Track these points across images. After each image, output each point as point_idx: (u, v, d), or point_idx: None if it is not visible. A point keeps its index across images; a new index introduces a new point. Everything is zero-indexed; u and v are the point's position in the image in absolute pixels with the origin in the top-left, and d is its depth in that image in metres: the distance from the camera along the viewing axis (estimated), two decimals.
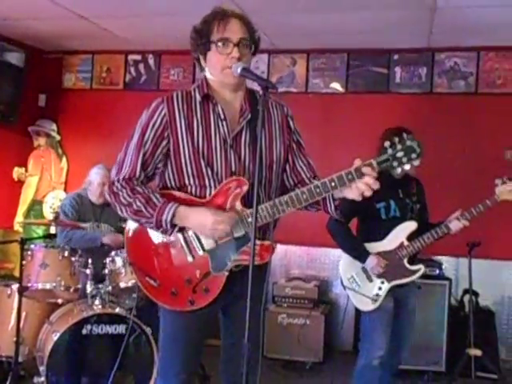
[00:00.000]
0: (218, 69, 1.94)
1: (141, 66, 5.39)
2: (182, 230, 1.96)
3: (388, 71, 4.92)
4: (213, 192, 1.95)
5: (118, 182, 1.95)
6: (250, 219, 1.91)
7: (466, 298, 4.22)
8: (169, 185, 2.01)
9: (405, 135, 1.86)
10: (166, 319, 2.07)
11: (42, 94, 5.60)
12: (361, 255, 3.12)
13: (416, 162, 1.85)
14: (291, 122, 2.13)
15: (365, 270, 3.13)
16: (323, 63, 5.07)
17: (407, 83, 4.88)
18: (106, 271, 3.35)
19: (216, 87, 2.00)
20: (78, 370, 3.15)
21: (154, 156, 1.96)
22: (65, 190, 5.35)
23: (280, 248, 5.03)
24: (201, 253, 1.96)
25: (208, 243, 1.96)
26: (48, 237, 3.65)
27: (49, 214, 4.85)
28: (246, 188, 1.92)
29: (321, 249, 4.73)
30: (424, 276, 4.10)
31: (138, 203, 1.90)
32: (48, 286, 3.40)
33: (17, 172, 5.07)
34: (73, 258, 3.45)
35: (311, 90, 5.10)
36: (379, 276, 3.10)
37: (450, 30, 4.35)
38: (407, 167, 1.86)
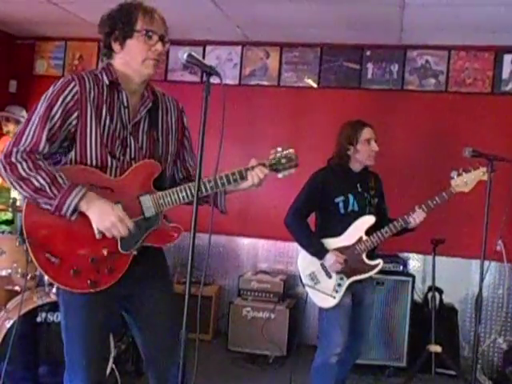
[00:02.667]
0: (139, 59, 1.94)
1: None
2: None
3: (360, 67, 4.92)
4: (113, 177, 1.94)
5: (17, 153, 1.81)
6: (161, 201, 1.96)
7: (431, 294, 4.24)
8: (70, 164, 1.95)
9: (285, 147, 2.08)
10: (68, 305, 1.99)
11: (13, 80, 5.54)
12: (319, 252, 3.08)
13: (292, 170, 2.07)
14: (184, 119, 2.20)
15: (324, 267, 3.10)
16: (296, 57, 5.05)
17: (379, 79, 4.88)
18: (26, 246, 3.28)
19: (123, 75, 1.99)
20: (35, 359, 3.10)
21: (61, 132, 1.87)
22: None
23: (248, 241, 5.05)
24: (119, 224, 1.86)
25: None
26: (5, 223, 3.59)
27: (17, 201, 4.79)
28: (158, 170, 1.99)
29: (289, 243, 4.69)
30: (388, 272, 4.18)
31: (42, 181, 1.79)
32: (4, 273, 3.37)
33: None
34: None
35: (283, 83, 5.08)
36: (338, 272, 3.08)
37: (420, 27, 4.36)
38: (286, 173, 2.06)
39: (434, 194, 3.12)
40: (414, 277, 4.31)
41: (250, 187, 2.02)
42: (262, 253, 5.03)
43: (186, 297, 1.69)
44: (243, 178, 1.99)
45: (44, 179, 1.79)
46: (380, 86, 4.88)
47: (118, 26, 1.94)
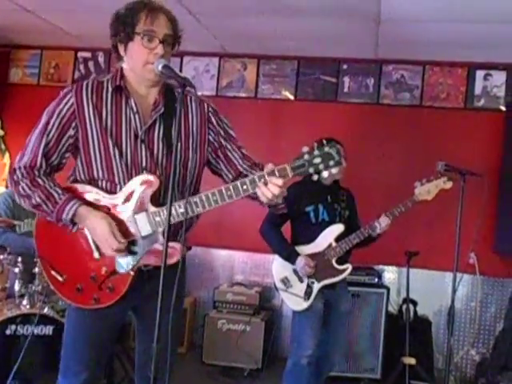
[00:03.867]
0: (140, 63, 1.88)
1: (90, 64, 5.31)
2: None
3: (337, 80, 4.97)
4: (123, 188, 1.90)
5: (20, 169, 1.89)
6: (157, 218, 1.86)
7: (405, 306, 4.27)
8: (78, 178, 1.96)
9: (324, 142, 1.76)
10: (71, 316, 2.03)
11: None
12: (290, 257, 3.22)
13: (334, 170, 1.75)
14: (213, 118, 2.07)
15: (295, 272, 3.24)
16: (273, 69, 5.08)
17: (355, 93, 4.94)
18: (37, 270, 3.23)
19: (131, 79, 1.95)
20: (3, 372, 2.99)
21: (59, 145, 1.89)
22: (6, 186, 5.18)
23: (224, 253, 5.03)
24: (111, 241, 1.84)
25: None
26: None
27: None
28: (155, 187, 1.87)
29: (265, 255, 4.68)
30: (362, 284, 4.21)
31: (37, 198, 1.85)
32: None
33: None
34: (1, 256, 3.34)
35: (260, 95, 5.11)
36: (309, 276, 3.21)
37: (396, 42, 4.43)
38: (325, 174, 1.75)
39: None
40: (388, 289, 4.33)
41: (268, 200, 1.78)
42: (238, 265, 5.02)
43: (158, 310, 1.66)
44: (256, 186, 1.76)
45: (40, 197, 1.84)
46: (356, 100, 4.94)
47: (121, 27, 1.88)
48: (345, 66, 4.96)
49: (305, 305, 3.19)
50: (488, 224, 4.53)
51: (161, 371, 1.69)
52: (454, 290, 2.98)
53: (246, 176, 1.91)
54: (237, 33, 4.55)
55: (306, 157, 1.73)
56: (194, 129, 2.02)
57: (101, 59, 5.24)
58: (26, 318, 3.06)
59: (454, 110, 4.75)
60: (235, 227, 4.87)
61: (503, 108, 4.66)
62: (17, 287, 3.24)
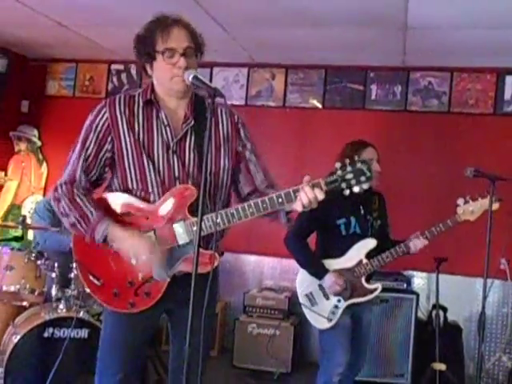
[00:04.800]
0: (167, 78, 1.91)
1: (123, 76, 5.40)
2: None
3: (364, 88, 4.94)
4: (157, 198, 1.92)
5: (61, 187, 1.92)
6: (194, 228, 1.87)
7: (435, 312, 4.21)
8: (114, 188, 1.99)
9: (356, 158, 1.80)
10: (107, 319, 2.05)
11: (25, 101, 5.59)
12: (318, 272, 3.00)
13: (365, 185, 1.80)
14: (242, 130, 2.09)
15: (322, 288, 3.01)
16: (301, 78, 5.08)
17: (382, 100, 4.90)
18: (72, 275, 3.29)
19: (161, 94, 1.98)
20: (41, 374, 3.04)
21: (98, 159, 1.93)
22: (44, 195, 5.30)
23: (254, 258, 5.03)
24: (145, 257, 1.89)
25: None
26: (15, 239, 3.60)
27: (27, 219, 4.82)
28: (193, 198, 1.87)
29: (294, 261, 4.67)
30: (392, 290, 4.15)
31: (73, 219, 1.88)
32: (12, 289, 3.37)
33: None
34: (39, 261, 3.41)
35: (289, 104, 5.11)
36: (336, 294, 2.99)
37: (423, 50, 4.38)
38: (356, 189, 1.80)
39: (436, 214, 3.09)
40: (418, 294, 4.26)
41: (303, 207, 1.81)
42: (268, 270, 5.02)
43: (190, 313, 1.67)
44: (292, 200, 1.81)
45: (75, 217, 1.88)
46: (384, 107, 4.90)
47: (143, 49, 1.92)
48: (372, 74, 4.93)
49: (328, 325, 3.00)
50: None
51: (193, 374, 1.69)
52: (485, 296, 2.88)
53: (259, 191, 1.99)
54: (265, 43, 4.57)
55: (339, 173, 1.79)
56: (225, 140, 2.03)
57: (133, 71, 5.32)
58: (62, 322, 3.09)
59: (483, 115, 4.67)
60: (264, 233, 4.85)
61: None
62: (54, 291, 3.29)
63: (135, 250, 1.86)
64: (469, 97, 4.71)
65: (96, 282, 1.97)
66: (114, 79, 5.43)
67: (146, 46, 1.90)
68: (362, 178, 1.78)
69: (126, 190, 1.94)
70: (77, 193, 1.90)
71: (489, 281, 2.87)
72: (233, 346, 4.41)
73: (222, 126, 2.04)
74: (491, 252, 2.84)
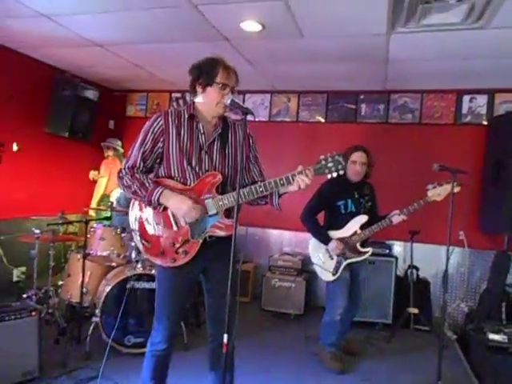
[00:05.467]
0: (214, 102, 1.94)
1: (180, 101, 5.42)
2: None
3: (356, 107, 4.82)
4: (192, 184, 1.95)
5: (124, 169, 1.96)
6: (220, 202, 1.93)
7: (410, 271, 4.13)
8: (160, 176, 2.00)
9: (334, 153, 1.88)
10: (159, 275, 2.04)
11: (111, 120, 5.65)
12: (325, 240, 3.08)
13: (341, 172, 1.86)
14: (251, 141, 2.12)
15: (327, 251, 3.09)
16: (310, 100, 4.99)
17: (369, 116, 4.78)
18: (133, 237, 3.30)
19: (202, 110, 2.00)
20: (125, 313, 3.08)
21: (152, 153, 1.96)
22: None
23: (276, 232, 5.02)
24: (183, 224, 1.94)
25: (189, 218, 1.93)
26: (106, 219, 3.65)
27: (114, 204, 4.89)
28: (219, 179, 1.95)
29: (305, 234, 4.59)
30: (378, 254, 4.08)
31: (135, 186, 1.91)
32: (105, 253, 3.43)
33: (92, 174, 5.10)
34: (122, 234, 3.46)
35: (300, 119, 5.03)
36: (338, 255, 3.06)
37: (400, 77, 4.25)
38: (335, 174, 1.86)
39: (411, 198, 3.02)
40: (397, 258, 4.18)
41: (296, 190, 1.88)
42: (286, 240, 4.97)
43: (230, 271, 1.68)
44: (290, 182, 1.86)
45: (136, 185, 1.91)
46: (370, 120, 4.78)
47: (203, 75, 1.94)
48: (362, 96, 4.81)
49: (332, 277, 3.05)
50: (473, 209, 4.34)
51: (228, 314, 1.68)
52: (448, 259, 2.81)
53: (256, 183, 2.00)
54: (282, 75, 4.51)
55: (323, 162, 1.87)
56: (240, 145, 2.07)
57: (188, 98, 5.33)
58: (139, 277, 3.13)
59: (446, 125, 4.51)
60: (284, 213, 4.80)
61: (485, 123, 4.40)
62: (133, 255, 3.33)
63: (180, 205, 1.89)
64: (435, 111, 4.55)
65: (147, 244, 1.98)
66: (174, 104, 5.45)
67: (207, 75, 1.93)
68: (339, 166, 1.85)
69: (170, 178, 1.97)
70: (136, 171, 1.95)
71: (450, 248, 2.79)
72: (261, 295, 4.41)
73: (239, 136, 2.08)
74: (452, 226, 2.76)
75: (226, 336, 1.66)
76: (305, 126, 5.01)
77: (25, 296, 3.47)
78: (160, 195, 1.88)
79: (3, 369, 2.48)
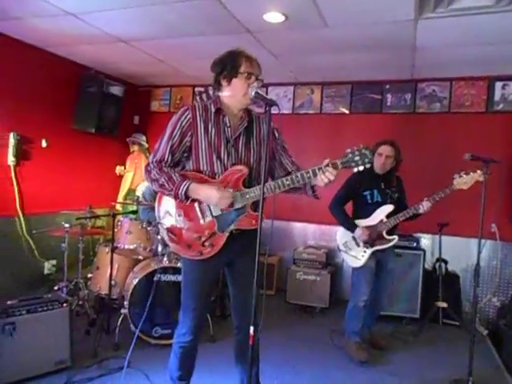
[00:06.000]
0: (241, 93, 1.93)
1: (204, 96, 5.43)
2: (197, 200, 1.94)
3: (381, 97, 4.71)
4: (220, 177, 1.94)
5: (152, 163, 1.96)
6: (247, 196, 1.92)
7: (438, 264, 4.03)
8: (188, 170, 2.00)
9: (361, 145, 1.85)
10: (186, 268, 2.05)
11: (136, 116, 5.72)
12: (351, 227, 3.13)
13: (367, 165, 1.83)
14: (276, 133, 2.09)
15: (354, 238, 3.14)
16: (333, 92, 4.91)
17: (395, 106, 4.66)
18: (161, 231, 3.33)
19: (228, 103, 1.99)
20: (152, 305, 3.11)
21: (180, 146, 1.96)
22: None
23: (300, 225, 4.99)
24: (210, 218, 1.94)
25: (216, 211, 1.95)
26: (132, 212, 3.70)
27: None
28: (245, 173, 1.94)
29: (329, 226, 4.60)
30: (405, 247, 4.00)
31: (162, 180, 1.91)
32: (132, 247, 3.47)
33: (118, 169, 5.20)
34: (149, 228, 3.50)
35: (324, 111, 4.95)
36: (365, 242, 3.09)
37: (428, 65, 4.12)
38: (361, 168, 1.84)
39: (441, 188, 2.97)
40: (424, 251, 4.08)
41: (325, 184, 1.84)
42: (310, 233, 4.93)
43: (256, 264, 1.67)
44: (316, 175, 1.84)
45: (164, 179, 1.91)
46: (396, 111, 4.66)
47: (227, 67, 1.93)
48: (387, 86, 4.69)
49: (359, 263, 3.10)
50: (506, 201, 4.17)
51: (249, 308, 1.69)
52: (479, 252, 2.73)
53: (291, 174, 1.97)
54: (305, 67, 4.44)
55: (350, 155, 1.83)
56: (265, 137, 2.01)
57: (210, 92, 5.31)
58: (165, 269, 3.16)
59: (477, 114, 4.34)
60: (307, 207, 4.79)
61: None
62: (159, 249, 3.38)
63: (210, 193, 1.88)
64: (465, 100, 4.39)
65: (175, 237, 1.99)
66: (197, 98, 5.46)
67: (230, 67, 1.92)
68: (366, 160, 1.82)
69: (199, 171, 1.97)
70: (164, 165, 1.95)
71: (482, 241, 2.70)
72: (286, 288, 4.40)
73: (263, 129, 2.06)
74: (484, 218, 2.67)
75: (252, 328, 1.66)
76: (328, 118, 4.93)
77: (56, 288, 3.59)
78: (187, 188, 1.88)
79: (37, 358, 2.57)
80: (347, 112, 4.87)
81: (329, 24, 3.23)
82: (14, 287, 3.97)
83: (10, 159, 4.05)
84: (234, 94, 1.95)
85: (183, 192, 1.88)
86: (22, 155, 4.15)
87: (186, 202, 1.93)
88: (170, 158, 1.95)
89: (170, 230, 2.00)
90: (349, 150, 1.83)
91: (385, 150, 3.12)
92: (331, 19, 3.16)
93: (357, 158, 1.82)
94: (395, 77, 4.56)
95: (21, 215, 4.15)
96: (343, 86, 4.86)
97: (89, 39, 3.89)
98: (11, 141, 4.04)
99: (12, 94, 4.06)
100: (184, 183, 1.89)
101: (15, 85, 4.09)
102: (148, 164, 1.97)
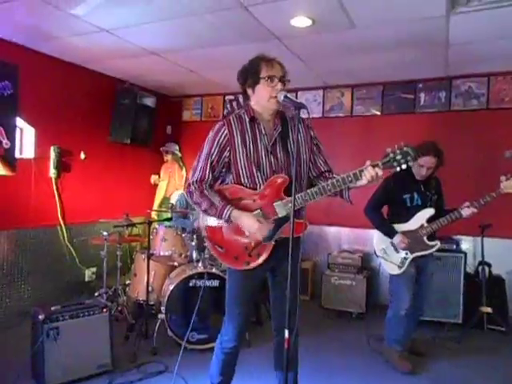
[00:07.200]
0: (266, 98, 1.92)
1: (234, 103, 5.49)
2: None
3: (414, 96, 4.60)
4: (262, 188, 1.94)
5: (193, 184, 1.97)
6: (289, 204, 1.87)
7: (481, 267, 3.86)
8: (228, 183, 2.01)
9: (402, 143, 1.79)
10: (231, 276, 2.06)
11: (169, 126, 5.83)
12: (390, 233, 2.98)
13: (410, 163, 1.79)
14: (311, 132, 2.07)
15: (392, 244, 2.99)
16: (364, 94, 4.85)
17: (429, 105, 4.54)
18: (206, 243, 3.37)
19: (258, 111, 1.98)
20: (188, 310, 3.17)
21: (219, 163, 1.96)
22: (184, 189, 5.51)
23: (334, 229, 4.92)
24: (255, 228, 1.91)
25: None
26: (167, 220, 3.78)
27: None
28: (286, 181, 1.91)
29: (364, 230, 4.51)
30: (444, 250, 3.86)
31: (205, 205, 1.93)
32: (167, 253, 3.56)
33: (152, 178, 5.33)
34: (183, 234, 3.57)
35: (355, 114, 4.89)
36: (404, 249, 2.94)
37: (463, 61, 3.99)
38: (404, 166, 1.79)
39: (479, 189, 2.84)
40: (465, 253, 3.92)
41: (366, 185, 1.82)
42: (344, 237, 4.86)
43: (289, 269, 1.68)
44: (358, 178, 1.81)
45: (206, 205, 1.92)
46: (430, 110, 4.53)
47: (249, 76, 1.94)
48: (420, 85, 4.58)
49: (399, 271, 2.94)
50: None
51: (290, 312, 1.69)
52: None
53: (323, 174, 2.00)
54: (334, 70, 4.41)
55: (391, 155, 1.80)
56: (303, 140, 2.03)
57: (241, 100, 5.32)
58: (201, 275, 3.20)
59: None
60: (341, 211, 4.70)
61: None
62: (194, 255, 3.43)
63: (249, 225, 1.89)
64: (504, 95, 4.21)
65: (220, 249, 2.00)
66: (228, 106, 5.53)
67: (252, 74, 1.93)
68: (409, 158, 1.78)
69: (240, 184, 1.97)
70: (205, 187, 1.95)
71: None
72: (320, 293, 4.35)
73: (300, 131, 2.02)
74: None
75: (286, 331, 1.65)
76: (359, 120, 4.87)
77: (96, 294, 3.71)
78: (229, 216, 1.90)
79: (80, 361, 2.67)
80: (379, 113, 4.79)
81: (356, 24, 3.21)
82: (56, 294, 4.14)
83: (52, 171, 4.25)
84: (260, 101, 1.95)
85: (226, 219, 1.91)
86: (62, 167, 4.34)
87: (230, 225, 1.95)
88: (210, 176, 1.95)
89: (215, 243, 2.01)
90: (389, 150, 1.79)
91: (427, 162, 2.88)
92: (359, 20, 3.13)
93: (399, 157, 1.77)
94: (428, 75, 4.45)
95: (62, 224, 4.33)
96: (374, 87, 4.79)
97: (122, 53, 4.04)
98: (52, 154, 4.24)
99: (52, 109, 4.27)
100: (225, 211, 1.89)
101: (55, 101, 4.29)
102: (189, 185, 1.97)
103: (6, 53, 3.75)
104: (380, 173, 1.78)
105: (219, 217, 1.90)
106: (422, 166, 2.92)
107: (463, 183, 4.01)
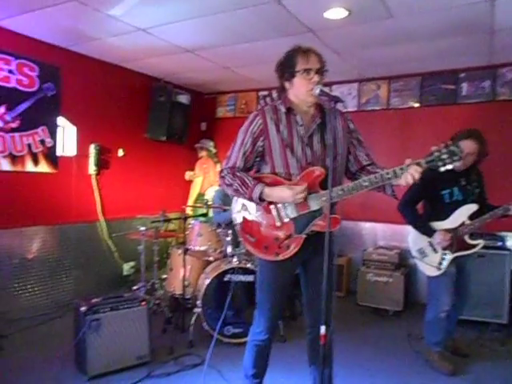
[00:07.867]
0: (303, 91, 1.90)
1: (268, 99, 5.47)
2: (273, 203, 1.94)
3: (455, 87, 4.41)
4: (297, 178, 1.91)
5: (226, 169, 1.99)
6: (323, 198, 1.86)
7: None
8: (264, 172, 2.00)
9: (449, 142, 1.71)
10: (262, 268, 2.06)
11: (203, 122, 5.89)
12: (427, 231, 2.81)
13: (457, 163, 1.73)
14: (351, 125, 2.04)
15: (431, 244, 2.82)
16: (401, 85, 4.70)
17: (472, 95, 4.33)
18: (238, 235, 3.39)
19: (296, 102, 1.97)
20: (223, 304, 3.15)
21: (252, 152, 1.97)
22: (219, 185, 5.56)
23: (369, 225, 4.83)
24: (287, 220, 1.93)
25: (292, 213, 1.93)
26: (203, 215, 3.82)
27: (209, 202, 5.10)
28: (322, 175, 1.88)
29: (400, 226, 4.37)
30: (488, 247, 3.67)
31: (236, 184, 1.93)
32: (202, 248, 3.61)
33: (188, 174, 5.40)
34: (218, 230, 3.60)
35: (392, 107, 4.75)
36: (444, 248, 2.77)
37: (509, 47, 3.76)
38: (449, 167, 1.72)
39: None
40: (511, 251, 3.72)
41: (407, 185, 1.78)
42: (380, 233, 4.74)
43: (325, 265, 1.66)
44: (397, 176, 1.76)
45: (238, 183, 1.92)
46: (473, 100, 4.33)
47: (285, 70, 1.93)
48: (462, 75, 4.38)
49: (437, 273, 2.78)
50: None
51: (322, 307, 1.67)
52: None
53: (367, 170, 1.94)
54: (370, 62, 4.30)
55: (436, 154, 1.74)
56: (340, 133, 1.99)
57: (274, 95, 5.33)
58: (235, 270, 3.21)
59: None
60: (376, 205, 4.62)
61: None
62: (229, 250, 3.44)
63: (283, 193, 1.87)
64: None
65: (251, 239, 2.01)
66: (261, 102, 5.51)
67: (288, 68, 1.91)
68: (455, 158, 1.72)
69: (274, 174, 1.96)
70: (237, 170, 1.96)
71: None
72: (356, 290, 4.28)
73: (338, 123, 1.99)
74: None
75: (323, 327, 1.64)
76: (397, 113, 4.72)
77: (134, 288, 3.82)
78: (261, 192, 1.89)
79: (120, 352, 2.75)
80: (417, 105, 4.63)
81: (394, 14, 3.11)
82: (96, 287, 4.30)
83: (92, 168, 4.40)
84: (297, 94, 1.94)
85: (257, 196, 1.89)
86: (101, 164, 4.49)
87: (261, 205, 1.95)
88: (242, 165, 1.96)
89: (247, 232, 2.02)
90: (434, 148, 1.72)
91: (466, 145, 2.65)
92: (396, 8, 3.03)
93: (444, 157, 1.71)
94: (471, 64, 4.25)
95: (102, 220, 4.49)
96: (412, 79, 4.63)
97: (157, 51, 4.11)
98: (92, 151, 4.39)
99: (92, 108, 4.42)
100: (257, 187, 1.89)
101: (94, 100, 4.44)
102: (221, 170, 2.00)
103: (48, 55, 3.92)
104: (417, 174, 1.73)
105: (250, 194, 1.89)
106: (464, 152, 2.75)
107: (509, 178, 3.82)
